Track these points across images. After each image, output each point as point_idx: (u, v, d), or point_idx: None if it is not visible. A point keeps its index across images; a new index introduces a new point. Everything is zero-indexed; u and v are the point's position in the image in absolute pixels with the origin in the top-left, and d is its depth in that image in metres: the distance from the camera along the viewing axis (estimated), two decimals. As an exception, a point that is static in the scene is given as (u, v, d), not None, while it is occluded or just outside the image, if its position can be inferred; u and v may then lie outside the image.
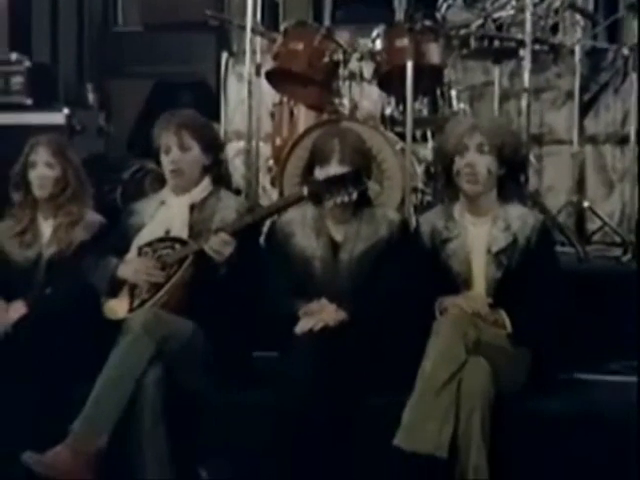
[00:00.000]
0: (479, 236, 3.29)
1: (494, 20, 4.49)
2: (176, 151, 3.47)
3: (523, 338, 3.14)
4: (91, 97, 5.76)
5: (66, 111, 4.98)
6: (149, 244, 3.44)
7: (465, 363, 2.97)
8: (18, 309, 3.43)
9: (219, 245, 3.26)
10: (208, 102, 5.69)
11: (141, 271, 3.35)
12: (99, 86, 5.96)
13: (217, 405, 3.28)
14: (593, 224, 4.93)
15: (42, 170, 3.63)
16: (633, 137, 4.64)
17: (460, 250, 3.29)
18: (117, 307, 3.36)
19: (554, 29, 4.92)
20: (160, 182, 3.90)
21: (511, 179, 3.33)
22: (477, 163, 3.23)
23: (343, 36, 4.71)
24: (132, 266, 3.39)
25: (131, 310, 3.33)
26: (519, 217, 3.29)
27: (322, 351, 3.05)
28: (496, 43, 4.55)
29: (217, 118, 5.36)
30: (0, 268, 3.62)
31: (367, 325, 3.18)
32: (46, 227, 3.66)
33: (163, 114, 3.56)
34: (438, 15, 4.47)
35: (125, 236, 3.51)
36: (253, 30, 4.60)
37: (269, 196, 5.00)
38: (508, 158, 3.26)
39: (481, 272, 3.26)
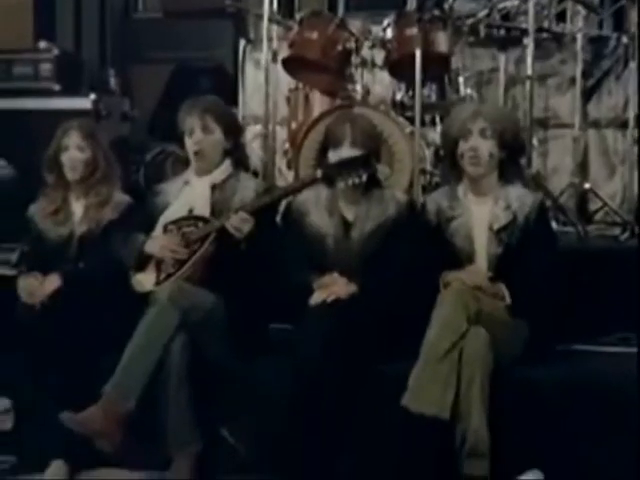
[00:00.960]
0: (481, 215, 3.42)
1: (499, 10, 4.65)
2: (199, 133, 3.60)
3: (521, 309, 3.27)
4: (113, 82, 5.83)
5: (93, 96, 5.08)
6: (174, 222, 3.58)
7: (466, 332, 3.10)
8: (53, 282, 3.54)
9: (239, 223, 3.41)
10: (226, 87, 5.74)
11: (166, 247, 3.49)
12: (120, 71, 6.03)
13: (236, 371, 3.44)
14: (596, 204, 5.03)
15: (74, 153, 3.73)
16: (631, 123, 4.80)
17: (463, 228, 3.42)
18: (144, 280, 3.51)
19: (561, 16, 5.07)
20: (181, 164, 4.05)
21: (511, 162, 3.46)
22: (480, 147, 3.36)
23: (356, 25, 4.82)
24: (158, 242, 3.53)
25: (158, 283, 3.48)
26: (519, 197, 3.43)
27: (334, 321, 3.20)
28: (501, 32, 4.70)
29: (235, 102, 5.41)
30: (36, 244, 3.76)
31: (376, 297, 3.32)
32: (77, 207, 3.77)
33: (188, 100, 3.69)
34: (446, 5, 4.58)
35: (151, 214, 3.65)
36: (270, 19, 4.73)
37: (285, 178, 5.06)
38: (508, 142, 3.40)
39: (483, 248, 3.39)
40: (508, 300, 3.30)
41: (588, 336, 3.77)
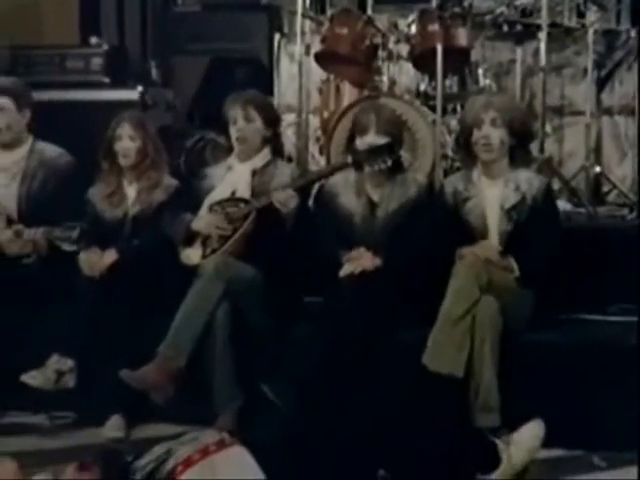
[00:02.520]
0: (493, 196, 3.71)
1: (515, 7, 4.93)
2: (241, 122, 3.90)
3: (528, 280, 3.56)
4: (154, 73, 6.07)
5: (140, 88, 5.35)
6: (218, 203, 3.87)
7: (478, 300, 3.41)
8: (110, 256, 3.83)
9: (286, 199, 3.71)
10: (262, 77, 5.92)
11: (212, 225, 3.80)
12: (161, 63, 6.25)
13: (273, 334, 3.76)
14: (609, 187, 5.27)
15: (126, 143, 3.99)
16: (637, 111, 5.09)
17: (477, 207, 3.71)
18: (192, 255, 3.81)
19: (579, 10, 5.34)
20: (220, 150, 4.34)
21: (521, 148, 3.75)
22: (491, 135, 3.65)
23: (382, 21, 5.12)
24: (204, 221, 3.83)
25: (204, 257, 3.78)
26: (527, 180, 3.71)
27: (361, 290, 3.52)
28: (517, 27, 4.98)
29: (270, 93, 5.63)
30: (94, 223, 4.03)
31: (398, 270, 3.62)
32: (131, 190, 4.04)
33: (232, 94, 3.99)
34: (466, 3, 4.83)
35: (198, 196, 3.96)
36: (303, 14, 5.01)
37: (317, 163, 5.26)
38: (518, 130, 3.68)
39: (494, 226, 3.68)
40: (517, 272, 3.58)
41: (594, 306, 4.05)
